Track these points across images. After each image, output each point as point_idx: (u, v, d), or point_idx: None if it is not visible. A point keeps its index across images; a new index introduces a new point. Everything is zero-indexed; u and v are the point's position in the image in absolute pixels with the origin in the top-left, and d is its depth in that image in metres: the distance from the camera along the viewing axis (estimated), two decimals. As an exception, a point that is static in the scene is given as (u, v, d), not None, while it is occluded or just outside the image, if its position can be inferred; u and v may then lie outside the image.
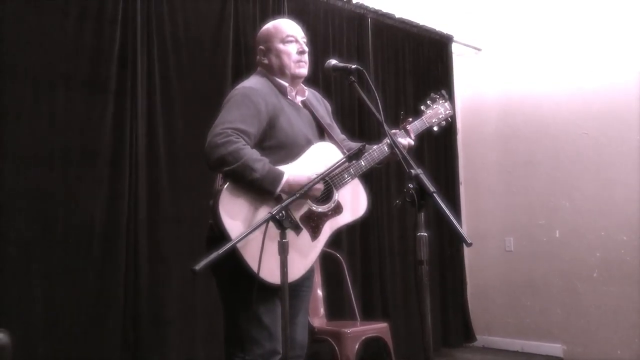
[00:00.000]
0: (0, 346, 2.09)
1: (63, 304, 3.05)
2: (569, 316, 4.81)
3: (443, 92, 2.70)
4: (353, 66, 2.20)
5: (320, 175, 2.08)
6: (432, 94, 2.67)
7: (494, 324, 5.30)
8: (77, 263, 3.12)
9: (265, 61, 2.36)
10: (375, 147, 2.38)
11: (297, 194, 1.97)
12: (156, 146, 3.47)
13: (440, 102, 2.66)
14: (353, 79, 2.20)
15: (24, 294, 2.94)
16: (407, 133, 2.47)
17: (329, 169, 2.10)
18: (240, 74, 3.64)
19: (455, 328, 5.25)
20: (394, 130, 2.47)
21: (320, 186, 2.20)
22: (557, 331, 4.86)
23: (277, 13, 4.09)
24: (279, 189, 2.11)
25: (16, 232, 2.95)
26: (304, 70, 2.36)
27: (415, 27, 5.24)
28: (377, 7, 4.90)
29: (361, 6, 4.79)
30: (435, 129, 2.65)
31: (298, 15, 4.01)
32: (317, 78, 3.98)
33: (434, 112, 2.63)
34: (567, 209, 4.87)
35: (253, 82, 2.33)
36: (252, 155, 2.09)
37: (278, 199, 2.12)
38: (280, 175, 2.12)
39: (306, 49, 2.37)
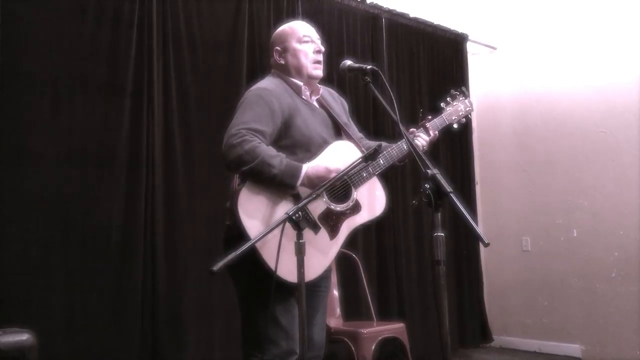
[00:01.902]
0: (28, 347, 2.12)
1: (82, 303, 3.08)
2: (588, 316, 4.76)
3: (463, 88, 2.68)
4: (368, 66, 2.19)
5: (338, 175, 2.08)
6: (452, 91, 2.65)
7: (511, 324, 5.26)
8: (96, 263, 3.15)
9: (282, 62, 2.37)
10: (394, 145, 2.38)
11: (313, 194, 1.98)
12: (172, 147, 3.50)
13: (460, 98, 2.64)
14: (368, 79, 2.19)
15: (44, 293, 2.98)
16: (427, 131, 2.46)
17: (346, 169, 2.10)
18: (255, 75, 3.65)
19: (472, 328, 5.22)
20: (412, 129, 2.46)
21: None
22: (576, 331, 4.82)
23: (291, 14, 4.10)
24: (299, 182, 2.12)
25: (36, 232, 2.99)
26: (320, 72, 2.37)
27: (430, 27, 5.23)
28: (391, 7, 4.89)
29: (375, 6, 4.78)
30: (455, 126, 2.63)
31: (312, 15, 4.03)
32: (332, 78, 3.98)
33: (454, 109, 2.61)
34: (585, 208, 4.82)
35: (266, 83, 2.34)
36: (268, 151, 2.10)
37: (296, 197, 2.13)
38: (298, 168, 2.13)
39: (322, 48, 2.39)
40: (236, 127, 2.12)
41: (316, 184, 2.12)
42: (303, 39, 2.35)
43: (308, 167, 2.15)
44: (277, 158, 2.10)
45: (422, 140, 2.42)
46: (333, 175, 2.12)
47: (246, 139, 2.08)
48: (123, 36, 3.36)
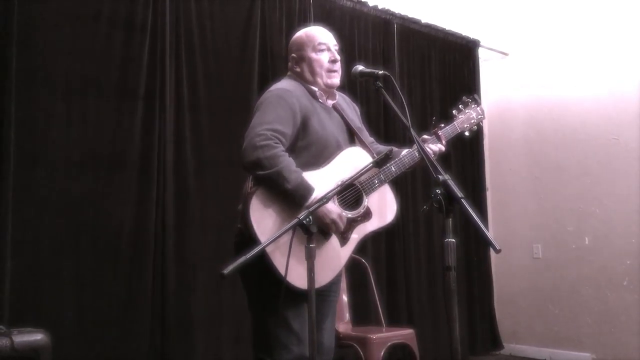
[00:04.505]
0: (42, 347, 2.14)
1: (92, 306, 3.10)
2: (599, 325, 4.72)
3: (475, 96, 2.67)
4: (380, 72, 2.20)
5: (345, 182, 2.08)
6: (464, 98, 2.64)
7: (522, 332, 5.23)
8: (106, 267, 3.17)
9: (298, 69, 2.38)
10: (405, 152, 2.38)
11: (324, 200, 1.98)
12: (184, 152, 3.51)
13: (473, 106, 2.62)
14: (380, 84, 2.20)
15: (55, 296, 2.99)
16: (439, 138, 2.46)
17: (355, 175, 2.11)
18: (267, 79, 3.67)
19: (482, 336, 5.19)
20: (425, 136, 2.46)
21: (338, 217, 2.19)
22: (587, 340, 4.78)
23: (303, 19, 4.12)
24: (307, 204, 2.10)
25: (48, 235, 3.01)
26: (336, 80, 2.37)
27: (442, 32, 5.23)
28: (403, 13, 4.89)
29: (387, 12, 4.79)
30: (467, 134, 2.61)
31: (324, 21, 4.04)
32: (343, 83, 3.99)
33: (466, 117, 2.59)
34: (597, 215, 4.79)
35: (286, 84, 2.35)
36: (288, 165, 2.10)
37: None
38: (310, 191, 2.12)
39: (338, 57, 2.38)
40: (260, 127, 2.12)
41: (319, 215, 2.09)
42: (318, 47, 2.35)
43: (319, 194, 2.11)
44: (294, 174, 2.10)
45: (431, 148, 2.41)
46: (335, 220, 2.14)
47: (270, 144, 2.08)
48: (136, 41, 3.39)
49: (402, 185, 4.59)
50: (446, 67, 5.28)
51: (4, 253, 2.81)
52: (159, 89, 3.43)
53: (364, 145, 2.39)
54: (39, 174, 3.02)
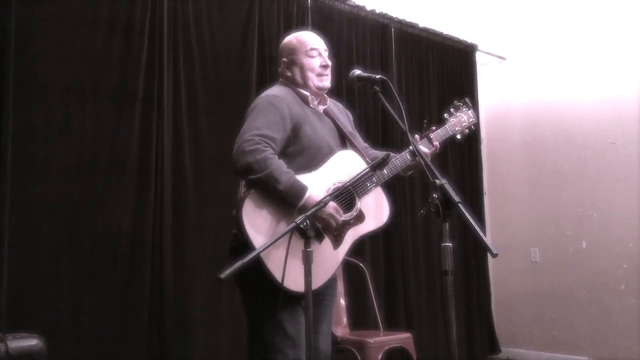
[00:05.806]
0: (37, 352, 2.13)
1: (90, 309, 3.09)
2: (596, 329, 4.73)
3: (467, 99, 2.68)
4: (377, 76, 2.21)
5: (343, 186, 2.09)
6: (455, 102, 2.65)
7: (519, 335, 5.23)
8: (104, 271, 3.16)
9: (289, 74, 2.39)
10: (398, 155, 2.38)
11: (320, 203, 1.98)
12: (182, 155, 3.51)
13: (464, 110, 2.63)
14: (377, 88, 2.21)
15: (53, 299, 2.99)
16: (430, 141, 2.47)
17: (353, 179, 2.11)
18: (264, 83, 3.67)
19: (479, 339, 5.19)
20: (416, 135, 2.46)
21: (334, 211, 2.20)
22: (584, 344, 4.78)
23: (301, 23, 4.12)
24: (300, 204, 2.12)
25: (45, 239, 3.00)
26: (326, 83, 2.39)
27: (439, 37, 5.24)
28: (400, 17, 4.90)
29: (385, 16, 4.80)
30: (459, 137, 2.63)
31: (322, 25, 4.05)
32: (341, 88, 4.00)
33: (458, 120, 2.61)
34: (594, 219, 4.80)
35: (276, 91, 2.36)
36: (279, 166, 2.11)
37: (301, 207, 2.13)
38: (303, 190, 2.13)
39: (329, 62, 2.40)
40: (249, 132, 2.14)
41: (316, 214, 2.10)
42: (310, 53, 2.36)
43: (312, 193, 2.14)
44: (285, 175, 2.11)
45: (423, 150, 2.42)
46: (332, 214, 2.16)
47: (259, 148, 2.09)
48: (134, 44, 3.39)
49: (400, 189, 4.59)
50: (444, 71, 5.29)
51: (0, 256, 2.80)
52: (157, 92, 3.43)
53: (356, 148, 2.40)
54: (37, 177, 3.01)
